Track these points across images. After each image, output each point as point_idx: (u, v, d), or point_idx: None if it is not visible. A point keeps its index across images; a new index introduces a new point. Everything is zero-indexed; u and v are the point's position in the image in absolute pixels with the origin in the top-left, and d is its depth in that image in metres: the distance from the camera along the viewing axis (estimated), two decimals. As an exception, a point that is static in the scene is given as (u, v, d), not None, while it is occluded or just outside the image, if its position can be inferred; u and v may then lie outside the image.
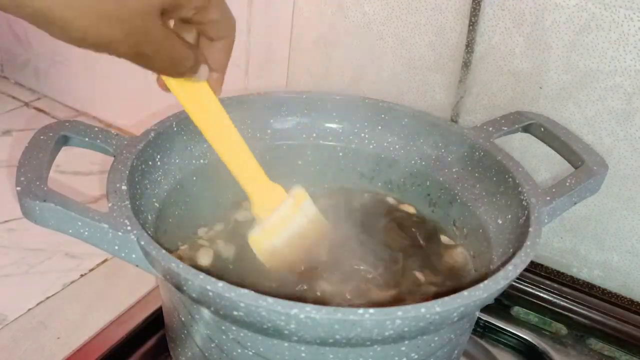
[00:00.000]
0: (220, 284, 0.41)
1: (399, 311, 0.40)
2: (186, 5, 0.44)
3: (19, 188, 0.47)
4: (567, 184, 0.56)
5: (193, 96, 0.51)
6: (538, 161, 0.71)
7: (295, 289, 0.56)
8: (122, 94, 1.00)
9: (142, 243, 0.46)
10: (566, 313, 0.71)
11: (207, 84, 0.51)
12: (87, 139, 0.56)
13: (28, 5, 0.37)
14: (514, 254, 0.47)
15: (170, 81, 0.49)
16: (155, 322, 0.64)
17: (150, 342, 0.64)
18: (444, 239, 0.64)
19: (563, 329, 0.70)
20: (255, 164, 0.56)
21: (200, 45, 0.50)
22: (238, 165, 0.55)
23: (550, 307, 0.72)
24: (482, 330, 0.69)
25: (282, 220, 0.58)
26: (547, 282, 0.74)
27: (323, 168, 0.70)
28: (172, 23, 0.47)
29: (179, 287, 0.44)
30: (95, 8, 0.38)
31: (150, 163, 0.58)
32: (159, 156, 0.59)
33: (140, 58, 0.43)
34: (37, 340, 0.63)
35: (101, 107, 1.05)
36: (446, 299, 0.41)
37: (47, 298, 0.68)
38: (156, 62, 0.45)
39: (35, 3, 0.37)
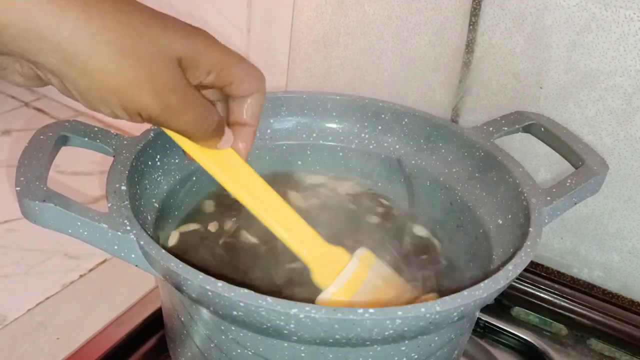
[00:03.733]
0: (220, 284, 0.41)
1: (399, 311, 0.40)
2: (203, 62, 0.43)
3: (18, 188, 0.47)
4: (568, 184, 0.56)
5: (221, 163, 0.49)
6: (538, 161, 0.71)
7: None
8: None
9: (142, 243, 0.46)
10: (566, 313, 0.71)
11: (233, 151, 0.49)
12: (86, 139, 0.56)
13: (45, 38, 0.36)
14: (514, 254, 0.47)
15: (192, 148, 0.48)
16: (155, 323, 0.64)
17: (150, 343, 0.64)
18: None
19: (563, 330, 0.70)
20: (306, 226, 0.51)
21: (229, 105, 0.48)
22: (288, 231, 0.50)
23: (550, 307, 0.72)
24: (482, 330, 0.68)
25: (353, 281, 0.51)
26: (548, 282, 0.74)
27: (323, 168, 0.69)
28: None
29: (178, 287, 0.44)
30: (113, 42, 0.37)
31: (149, 163, 0.58)
32: (158, 156, 0.59)
33: (168, 110, 0.41)
34: (37, 341, 0.63)
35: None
36: (446, 298, 0.41)
37: (47, 298, 0.68)
38: (183, 117, 0.43)
39: (52, 35, 0.36)
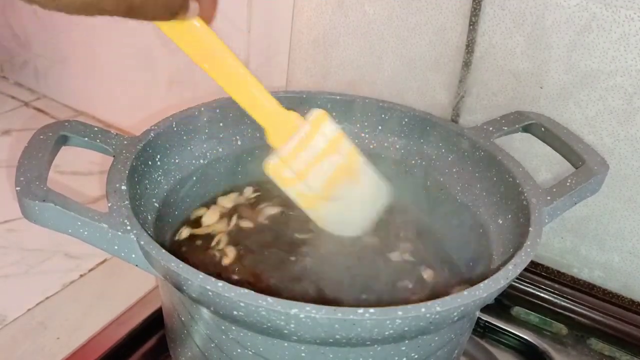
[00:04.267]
0: (220, 283, 0.41)
1: (399, 311, 0.40)
2: None
3: (18, 188, 0.47)
4: (568, 183, 0.56)
5: (189, 36, 0.49)
6: (538, 161, 0.71)
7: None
8: (122, 94, 1.00)
9: (142, 243, 0.45)
10: (567, 313, 0.71)
11: (201, 20, 0.49)
12: (86, 139, 0.56)
13: None
14: (514, 254, 0.47)
15: (163, 27, 0.48)
16: (155, 322, 0.64)
17: (150, 342, 0.64)
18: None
19: (563, 329, 0.70)
20: (265, 92, 0.54)
21: None
22: (247, 96, 0.54)
23: (550, 307, 0.72)
24: (482, 330, 0.68)
25: (300, 144, 0.55)
26: (548, 282, 0.74)
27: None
28: None
29: (178, 287, 0.44)
30: None
31: (150, 163, 0.58)
32: (158, 156, 0.59)
33: (131, 10, 0.41)
34: (37, 341, 0.63)
35: (101, 107, 1.05)
36: (446, 298, 0.41)
37: (47, 298, 0.68)
38: (147, 9, 0.42)
39: None
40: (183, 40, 0.49)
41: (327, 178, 0.57)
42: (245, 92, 0.53)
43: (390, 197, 0.62)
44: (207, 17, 0.49)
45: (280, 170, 0.56)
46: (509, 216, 0.56)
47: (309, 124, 0.56)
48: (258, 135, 0.67)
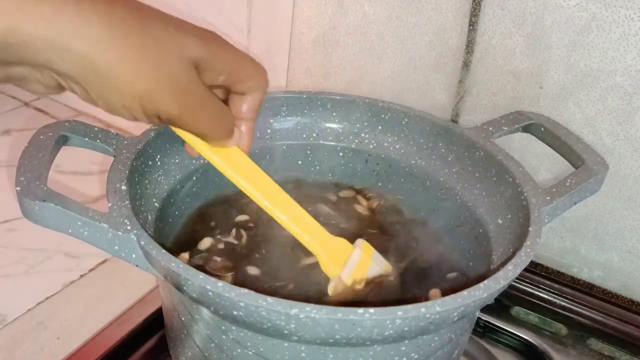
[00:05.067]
0: (220, 283, 0.41)
1: (399, 311, 0.40)
2: (218, 64, 0.44)
3: (18, 188, 0.47)
4: (568, 183, 0.56)
5: (231, 161, 0.50)
6: (538, 161, 0.71)
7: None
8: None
9: (142, 243, 0.46)
10: (566, 313, 0.71)
11: (239, 148, 0.50)
12: (86, 139, 0.56)
13: (70, 48, 0.37)
14: (514, 254, 0.47)
15: (203, 148, 0.48)
16: (155, 322, 0.64)
17: (150, 342, 0.64)
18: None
19: (563, 329, 0.70)
20: (312, 219, 0.53)
21: (230, 103, 0.49)
22: (297, 224, 0.52)
23: (550, 307, 0.72)
24: (482, 330, 0.69)
25: (359, 267, 0.55)
26: (547, 282, 0.74)
27: (323, 168, 0.69)
28: None
29: (179, 287, 0.44)
30: (138, 52, 0.38)
31: (150, 163, 0.58)
32: (158, 156, 0.59)
33: (186, 112, 0.42)
34: (37, 340, 0.63)
35: (101, 107, 1.04)
36: (446, 298, 0.41)
37: (47, 298, 0.68)
38: (200, 118, 0.44)
39: (77, 44, 0.37)
40: (220, 162, 0.50)
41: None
42: (294, 218, 0.52)
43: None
44: (245, 147, 0.51)
45: (348, 293, 0.54)
46: (509, 216, 0.56)
47: (358, 249, 0.55)
48: (258, 135, 0.67)
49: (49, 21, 0.36)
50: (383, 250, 0.58)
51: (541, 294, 0.73)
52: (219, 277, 0.54)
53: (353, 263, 0.54)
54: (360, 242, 0.56)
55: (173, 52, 0.40)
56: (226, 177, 0.50)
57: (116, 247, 0.47)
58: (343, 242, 0.55)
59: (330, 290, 0.54)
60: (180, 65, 0.41)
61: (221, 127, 0.47)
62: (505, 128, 0.63)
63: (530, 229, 0.50)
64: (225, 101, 0.49)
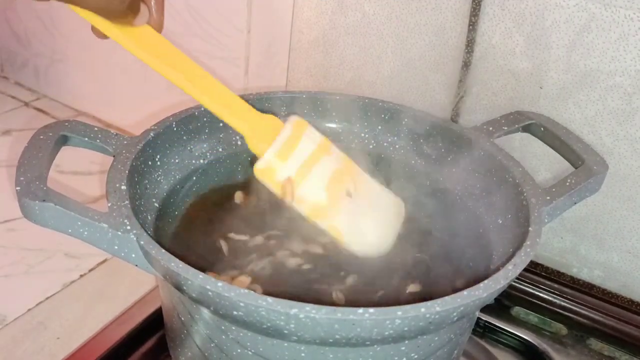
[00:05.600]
0: (220, 283, 0.41)
1: (398, 311, 0.40)
2: None
3: (18, 188, 0.47)
4: (567, 183, 0.56)
5: (141, 41, 0.47)
6: (538, 161, 0.71)
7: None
8: (122, 94, 1.00)
9: (142, 243, 0.46)
10: (566, 313, 0.71)
11: (151, 28, 0.48)
12: (86, 139, 0.56)
13: None
14: (513, 254, 0.47)
15: (108, 27, 0.46)
16: (155, 322, 0.64)
17: (150, 342, 0.64)
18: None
19: (563, 329, 0.70)
20: (235, 97, 0.52)
21: None
22: (218, 102, 0.51)
23: (550, 307, 0.72)
24: (482, 330, 0.68)
25: (286, 145, 0.54)
26: (547, 282, 0.74)
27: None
28: None
29: (178, 287, 0.44)
30: None
31: (149, 163, 0.58)
32: (158, 156, 0.59)
33: None
34: (37, 340, 0.63)
35: (101, 107, 1.04)
36: (446, 298, 0.41)
37: (47, 298, 0.68)
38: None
39: None
40: (131, 42, 0.47)
41: (326, 183, 0.55)
42: (218, 97, 0.51)
43: (404, 212, 0.61)
44: (157, 24, 0.48)
45: (271, 175, 0.54)
46: (509, 216, 0.56)
47: (290, 127, 0.55)
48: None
49: None
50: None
51: (541, 294, 0.73)
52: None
53: (282, 140, 0.54)
54: (294, 118, 0.56)
55: None
56: (141, 60, 0.48)
57: (116, 247, 0.47)
58: (272, 119, 0.55)
59: (256, 169, 0.54)
60: None
61: (117, 5, 0.43)
62: (505, 128, 0.63)
63: (530, 229, 0.50)
64: None
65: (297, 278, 0.56)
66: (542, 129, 0.63)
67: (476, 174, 0.62)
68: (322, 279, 0.56)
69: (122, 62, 0.97)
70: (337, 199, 0.56)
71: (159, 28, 0.48)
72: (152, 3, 0.46)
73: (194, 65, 0.51)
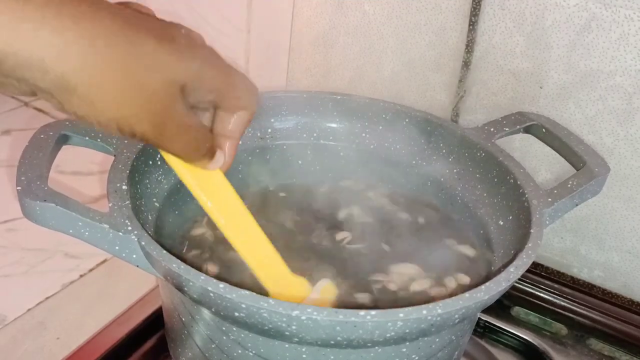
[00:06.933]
0: (222, 285, 0.41)
1: (400, 313, 0.40)
2: (207, 85, 0.42)
3: (19, 188, 0.47)
4: (569, 185, 0.56)
5: (204, 183, 0.48)
6: (539, 162, 0.71)
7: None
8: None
9: (143, 243, 0.45)
10: (566, 313, 0.71)
11: (220, 172, 0.48)
12: (87, 138, 0.56)
13: (50, 70, 0.35)
14: (515, 256, 0.47)
15: (179, 166, 0.47)
16: (155, 322, 0.64)
17: (150, 343, 0.64)
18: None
19: (563, 329, 0.70)
20: (277, 256, 0.51)
21: (216, 120, 0.46)
22: (254, 255, 0.50)
23: (550, 307, 0.72)
24: (482, 330, 0.68)
25: None
26: (548, 282, 0.74)
27: (323, 168, 0.69)
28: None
29: (179, 288, 0.44)
30: (118, 70, 0.36)
31: (150, 163, 0.58)
32: (159, 156, 0.59)
33: (161, 138, 0.41)
34: (37, 340, 0.63)
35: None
36: (448, 300, 0.41)
37: (47, 298, 0.68)
38: (174, 142, 0.42)
39: (57, 67, 0.35)
40: (195, 184, 0.48)
41: None
42: (256, 251, 0.50)
43: None
44: (226, 167, 0.48)
45: None
46: (510, 217, 0.56)
47: (316, 293, 0.53)
48: (259, 134, 0.67)
49: (27, 39, 0.34)
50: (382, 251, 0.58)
51: (541, 294, 0.73)
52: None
53: None
54: (323, 283, 0.54)
55: (158, 77, 0.38)
56: (195, 197, 0.48)
57: (117, 248, 0.47)
58: (301, 282, 0.53)
59: None
60: (164, 90, 0.39)
61: (197, 150, 0.45)
62: (507, 129, 0.63)
63: (531, 230, 0.50)
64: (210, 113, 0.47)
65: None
66: (543, 130, 0.63)
67: (477, 175, 0.62)
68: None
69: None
70: None
71: (225, 168, 0.48)
72: (227, 149, 0.47)
73: (245, 213, 0.50)
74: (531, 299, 0.73)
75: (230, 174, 0.66)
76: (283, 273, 0.51)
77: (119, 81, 0.37)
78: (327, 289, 0.54)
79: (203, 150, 0.45)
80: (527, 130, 0.64)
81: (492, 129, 0.63)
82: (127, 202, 0.49)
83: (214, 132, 0.47)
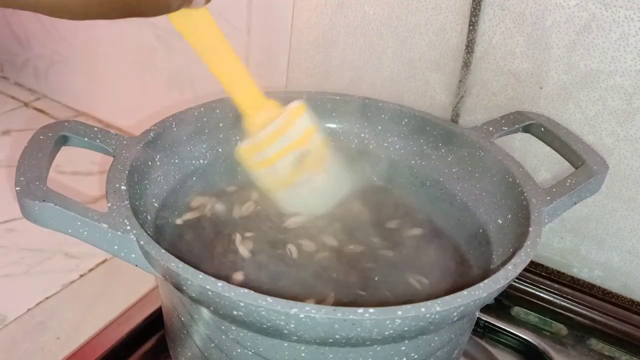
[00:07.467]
0: (220, 283, 0.41)
1: (398, 311, 0.40)
2: None
3: (18, 188, 0.47)
4: (568, 184, 0.56)
5: (191, 23, 0.52)
6: (538, 161, 0.71)
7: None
8: (122, 94, 1.00)
9: (142, 243, 0.46)
10: (566, 313, 0.71)
11: (205, 8, 0.51)
12: (86, 139, 0.56)
13: None
14: (514, 254, 0.47)
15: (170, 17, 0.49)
16: (155, 322, 0.64)
17: (150, 342, 0.64)
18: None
19: (563, 329, 0.70)
20: (250, 78, 0.57)
21: None
22: (231, 78, 0.56)
23: (550, 307, 0.72)
24: (482, 330, 0.68)
25: (275, 133, 0.58)
26: (548, 282, 0.74)
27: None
28: None
29: (178, 287, 0.44)
30: None
31: (149, 163, 0.58)
32: (158, 156, 0.59)
33: (130, 10, 0.42)
34: (37, 341, 0.63)
35: (101, 107, 1.05)
36: (446, 298, 0.41)
37: (47, 298, 0.68)
38: (144, 7, 0.43)
39: None
40: (185, 27, 0.52)
41: (294, 166, 0.60)
42: (233, 74, 0.56)
43: (352, 186, 0.65)
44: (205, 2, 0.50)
45: (250, 154, 0.59)
46: (509, 216, 0.56)
47: (286, 115, 0.59)
48: (258, 135, 0.67)
49: None
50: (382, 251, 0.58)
51: (541, 294, 0.73)
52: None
53: (272, 128, 0.58)
54: (292, 105, 0.60)
55: None
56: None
57: (116, 247, 0.47)
58: (274, 104, 0.59)
59: (239, 147, 0.59)
60: None
61: (173, 3, 0.46)
62: (506, 128, 0.63)
63: (530, 229, 0.50)
64: None
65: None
66: (542, 129, 0.63)
67: (476, 174, 0.62)
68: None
69: (121, 63, 0.97)
70: (295, 178, 0.61)
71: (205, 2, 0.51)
72: None
73: (224, 41, 0.55)
74: (531, 299, 0.72)
75: (229, 174, 0.67)
76: (256, 95, 0.58)
77: None
78: (296, 108, 0.60)
79: (176, 2, 0.46)
80: (526, 129, 0.64)
81: (491, 129, 0.63)
82: (126, 202, 0.49)
83: None
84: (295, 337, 0.42)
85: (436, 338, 0.48)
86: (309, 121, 0.61)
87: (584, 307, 0.72)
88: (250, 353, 0.47)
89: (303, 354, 0.45)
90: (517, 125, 0.64)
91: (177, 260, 0.43)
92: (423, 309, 0.40)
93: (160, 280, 0.52)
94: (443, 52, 0.72)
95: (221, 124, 0.65)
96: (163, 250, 0.44)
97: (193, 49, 0.53)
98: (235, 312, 0.41)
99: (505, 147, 0.61)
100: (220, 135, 0.65)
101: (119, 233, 0.46)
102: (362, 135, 0.69)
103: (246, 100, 0.58)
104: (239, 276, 0.55)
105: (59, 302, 0.68)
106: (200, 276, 0.42)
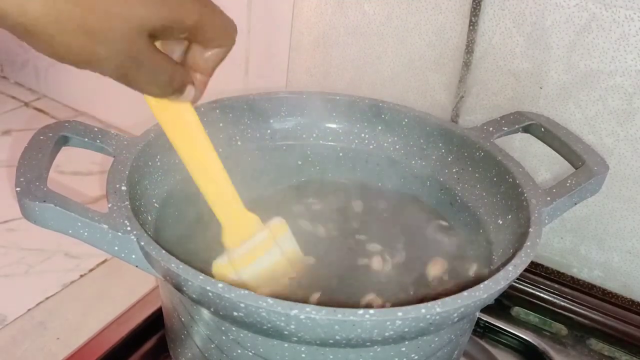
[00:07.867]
0: (220, 284, 0.41)
1: (399, 312, 0.40)
2: (177, 28, 0.42)
3: (18, 188, 0.47)
4: (568, 184, 0.56)
5: (173, 115, 0.49)
6: (538, 161, 0.71)
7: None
8: (122, 94, 0.99)
9: (142, 243, 0.46)
10: (566, 313, 0.71)
11: (190, 104, 0.49)
12: (86, 139, 0.56)
13: (10, 18, 0.36)
14: (514, 255, 0.47)
15: (149, 99, 0.47)
16: (155, 323, 0.64)
17: (150, 343, 0.64)
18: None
19: (563, 330, 0.70)
20: (232, 190, 0.53)
21: (190, 52, 0.46)
22: (213, 189, 0.52)
23: (550, 307, 0.72)
24: (482, 330, 0.68)
25: (252, 252, 0.54)
26: (548, 282, 0.74)
27: (323, 168, 0.69)
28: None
29: (178, 288, 0.44)
30: (80, 25, 0.37)
31: (150, 163, 0.58)
32: (158, 156, 0.59)
33: (124, 78, 0.41)
34: (37, 341, 0.63)
35: (101, 107, 1.04)
36: (446, 299, 0.41)
37: (47, 298, 0.68)
38: (140, 83, 0.43)
39: (17, 18, 0.36)
40: (164, 116, 0.49)
41: (260, 272, 0.55)
42: (215, 186, 0.52)
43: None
44: (198, 89, 0.48)
45: (225, 273, 0.54)
46: (509, 216, 0.56)
47: (267, 231, 0.55)
48: (258, 135, 0.67)
49: None
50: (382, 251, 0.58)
51: (541, 294, 0.73)
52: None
53: (250, 245, 0.54)
54: (274, 222, 0.56)
55: (124, 25, 0.38)
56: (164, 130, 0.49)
57: (116, 248, 0.47)
58: (254, 219, 0.54)
59: (213, 264, 0.53)
60: (130, 39, 0.39)
61: (166, 89, 0.45)
62: (505, 128, 0.63)
63: (530, 229, 0.50)
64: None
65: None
66: (542, 129, 0.63)
67: (476, 175, 0.62)
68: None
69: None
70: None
71: (195, 102, 0.49)
72: (198, 84, 0.47)
73: (209, 146, 0.51)
74: (531, 299, 0.72)
75: (229, 174, 0.67)
76: (237, 207, 0.54)
77: (80, 30, 0.37)
78: (278, 226, 0.56)
79: (172, 87, 0.45)
80: (525, 129, 0.64)
81: (490, 129, 0.63)
82: (127, 202, 0.49)
83: (186, 64, 0.46)
84: (295, 338, 0.42)
85: (436, 339, 0.48)
86: (292, 242, 0.57)
87: (583, 307, 0.72)
88: (250, 354, 0.47)
89: (303, 355, 0.45)
90: (517, 126, 0.64)
91: (178, 261, 0.43)
92: (423, 310, 0.40)
93: (161, 280, 0.52)
94: (443, 52, 0.72)
95: (221, 124, 0.65)
96: (163, 251, 0.44)
97: (170, 139, 0.50)
98: (235, 313, 0.41)
99: (505, 147, 0.61)
100: (220, 136, 0.65)
101: (120, 234, 0.46)
102: (362, 135, 0.68)
103: (227, 212, 0.53)
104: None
105: (59, 302, 0.68)
106: (201, 277, 0.42)
